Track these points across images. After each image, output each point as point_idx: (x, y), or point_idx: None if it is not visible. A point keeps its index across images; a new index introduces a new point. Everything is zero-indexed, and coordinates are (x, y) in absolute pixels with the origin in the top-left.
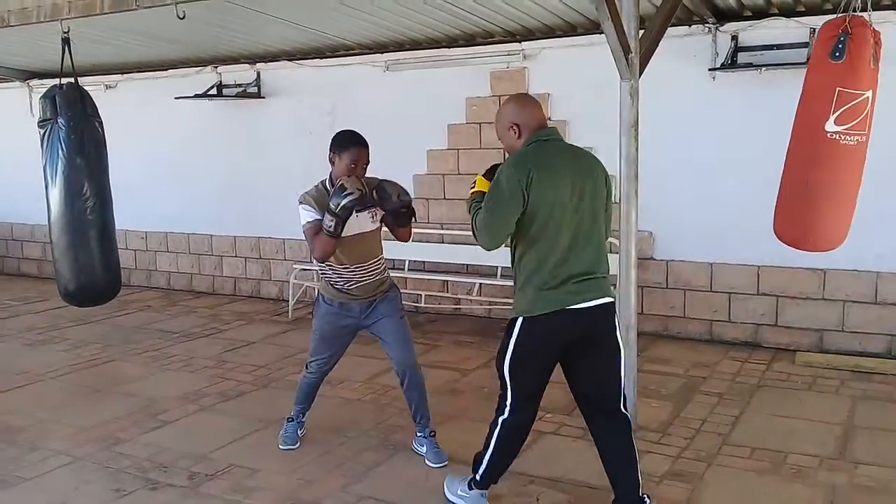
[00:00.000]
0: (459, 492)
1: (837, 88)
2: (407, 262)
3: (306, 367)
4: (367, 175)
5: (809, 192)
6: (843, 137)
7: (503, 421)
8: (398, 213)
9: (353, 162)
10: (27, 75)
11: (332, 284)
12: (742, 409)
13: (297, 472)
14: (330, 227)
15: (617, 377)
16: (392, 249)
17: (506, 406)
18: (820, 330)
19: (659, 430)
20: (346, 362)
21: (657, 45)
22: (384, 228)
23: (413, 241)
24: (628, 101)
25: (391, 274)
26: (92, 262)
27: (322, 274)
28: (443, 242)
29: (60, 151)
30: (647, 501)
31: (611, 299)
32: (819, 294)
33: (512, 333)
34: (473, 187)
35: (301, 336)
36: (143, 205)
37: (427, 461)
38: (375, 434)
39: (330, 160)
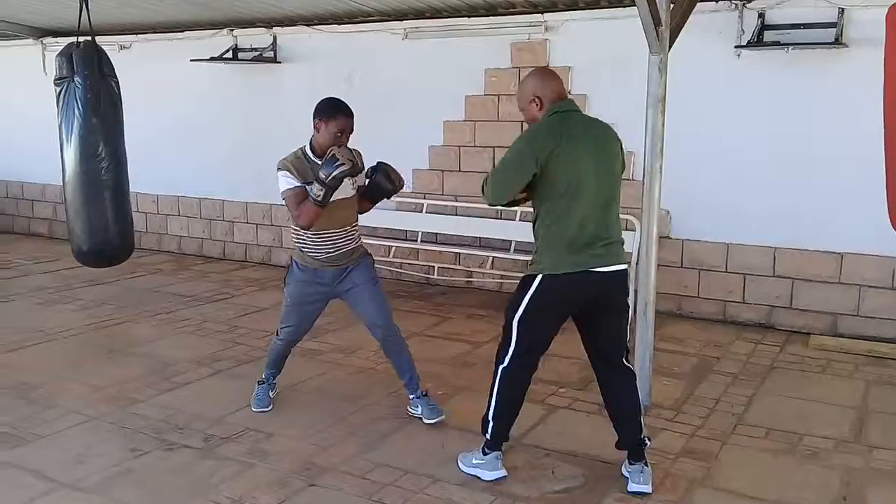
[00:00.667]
0: (474, 461)
1: None
2: (420, 234)
3: (276, 334)
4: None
5: None
6: None
7: (503, 369)
8: (383, 191)
9: (339, 131)
10: (41, 33)
11: (305, 251)
12: (756, 389)
13: (311, 437)
14: (319, 196)
15: (624, 334)
16: (407, 221)
17: (506, 355)
18: (834, 314)
19: (673, 407)
20: (359, 331)
21: (686, 19)
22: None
23: (426, 212)
24: (657, 75)
25: (404, 245)
26: (105, 222)
27: (296, 240)
28: (456, 214)
29: (76, 110)
30: (648, 442)
31: (625, 266)
32: (835, 278)
33: (529, 289)
34: None
35: None
36: (155, 168)
37: (425, 419)
38: (389, 403)
39: (315, 127)
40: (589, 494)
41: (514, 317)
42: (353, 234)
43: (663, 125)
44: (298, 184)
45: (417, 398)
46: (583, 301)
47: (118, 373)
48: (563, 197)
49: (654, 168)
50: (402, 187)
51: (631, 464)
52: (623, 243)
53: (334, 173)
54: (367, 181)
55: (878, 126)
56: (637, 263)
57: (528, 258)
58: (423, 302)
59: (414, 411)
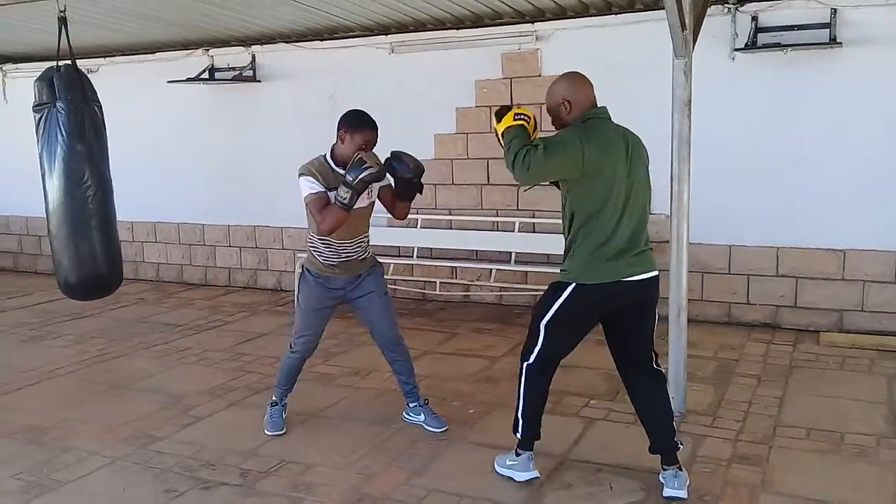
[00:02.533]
0: (508, 462)
1: None
2: (415, 249)
3: (291, 347)
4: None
5: None
6: None
7: (528, 366)
8: (409, 182)
9: (364, 143)
10: (0, 59)
11: (320, 258)
12: (783, 390)
13: (353, 465)
14: (345, 199)
15: (652, 338)
16: (400, 237)
17: (532, 353)
18: (840, 310)
19: (708, 413)
20: (368, 352)
21: (702, 23)
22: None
23: (421, 227)
24: (682, 79)
25: (400, 262)
26: (93, 253)
27: (311, 248)
28: (451, 228)
29: (60, 137)
30: (681, 446)
31: (657, 272)
32: (839, 274)
33: (560, 296)
34: (498, 123)
35: None
36: (129, 194)
37: (430, 428)
38: (421, 426)
39: (340, 138)
40: None
41: (542, 320)
42: (364, 243)
43: (689, 129)
44: (322, 189)
45: (420, 406)
46: (613, 309)
47: (128, 410)
48: (602, 204)
49: (682, 172)
50: (420, 169)
51: (665, 468)
52: (652, 250)
53: (362, 175)
54: (393, 179)
55: (874, 123)
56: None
57: (529, 269)
58: (425, 318)
59: (414, 418)
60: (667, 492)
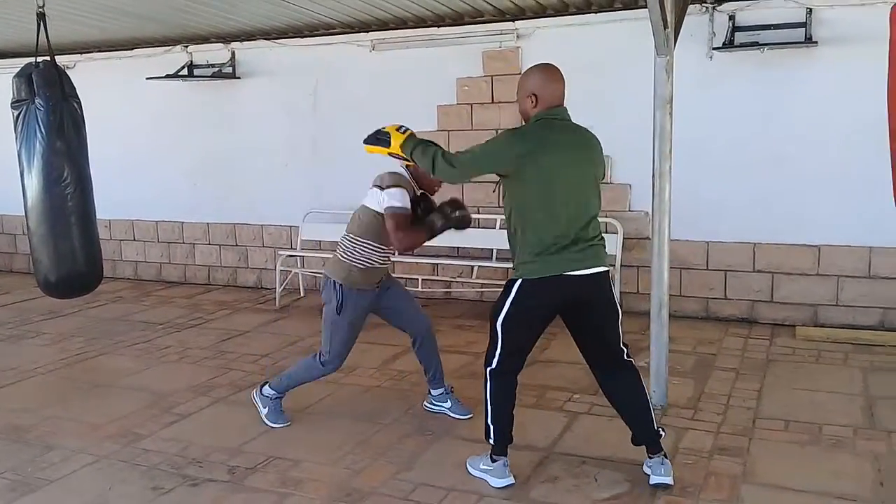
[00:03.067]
0: (482, 466)
1: None
2: None
3: (322, 363)
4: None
5: None
6: None
7: (491, 371)
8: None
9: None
10: None
11: (363, 268)
12: (761, 383)
13: (341, 461)
14: (440, 229)
15: (618, 333)
16: None
17: (494, 357)
18: (815, 305)
19: (689, 406)
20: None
21: (682, 22)
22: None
23: None
24: (663, 76)
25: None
26: (73, 250)
27: (356, 260)
28: None
29: (39, 134)
30: (663, 433)
31: (606, 268)
32: (814, 270)
33: (510, 293)
34: (387, 147)
35: (294, 324)
36: (106, 192)
37: (455, 415)
38: (408, 420)
39: None
40: (638, 499)
41: (497, 320)
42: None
43: (671, 127)
44: (409, 205)
45: (446, 393)
46: (563, 303)
47: (112, 408)
48: (537, 202)
49: (664, 169)
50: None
51: (650, 457)
52: (604, 246)
53: (464, 216)
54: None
55: (848, 120)
56: (621, 266)
57: (510, 266)
58: None
59: (440, 406)
60: (654, 479)
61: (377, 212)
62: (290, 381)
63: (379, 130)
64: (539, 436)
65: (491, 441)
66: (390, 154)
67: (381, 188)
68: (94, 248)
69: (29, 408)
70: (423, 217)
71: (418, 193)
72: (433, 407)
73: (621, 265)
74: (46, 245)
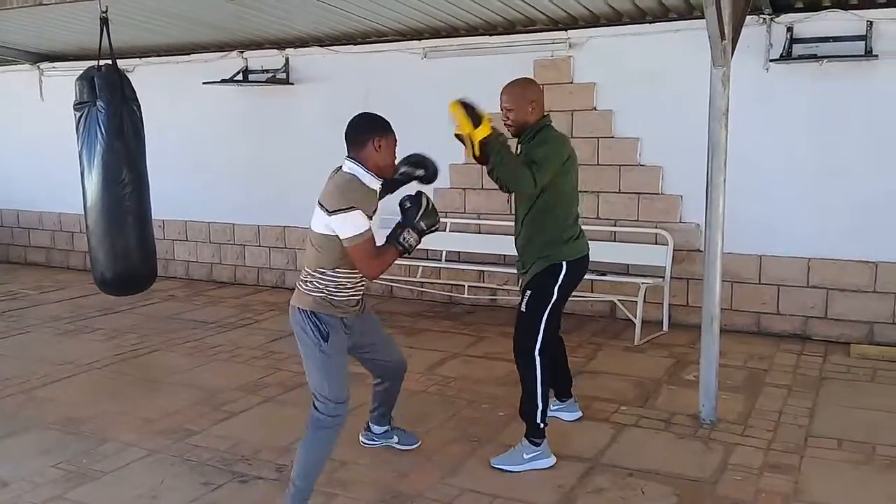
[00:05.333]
0: (525, 456)
1: None
2: (443, 253)
3: (331, 416)
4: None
5: None
6: None
7: (539, 353)
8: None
9: (395, 145)
10: (37, 58)
11: (338, 298)
12: (813, 400)
13: (387, 464)
14: (412, 246)
15: None
16: (428, 240)
17: (536, 340)
18: (871, 322)
19: (739, 422)
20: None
21: (740, 33)
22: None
23: (449, 231)
24: (720, 88)
25: (428, 265)
26: (129, 249)
27: (328, 289)
28: (479, 233)
29: (100, 135)
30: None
31: None
32: (871, 286)
33: (557, 278)
34: (477, 120)
35: None
36: (161, 192)
37: (406, 446)
38: (453, 426)
39: (374, 146)
40: None
41: (546, 307)
42: None
43: (726, 138)
44: (369, 225)
45: (391, 429)
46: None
47: (165, 403)
48: (572, 192)
49: (718, 182)
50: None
51: (563, 400)
52: None
53: (435, 225)
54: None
55: None
56: (670, 278)
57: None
58: (453, 322)
59: (384, 442)
60: (573, 416)
61: (328, 235)
62: (307, 472)
63: (474, 106)
64: (585, 446)
65: (542, 424)
66: (462, 134)
67: (329, 213)
68: (149, 247)
69: (84, 401)
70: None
71: (381, 184)
72: (374, 442)
73: (671, 277)
74: (104, 243)
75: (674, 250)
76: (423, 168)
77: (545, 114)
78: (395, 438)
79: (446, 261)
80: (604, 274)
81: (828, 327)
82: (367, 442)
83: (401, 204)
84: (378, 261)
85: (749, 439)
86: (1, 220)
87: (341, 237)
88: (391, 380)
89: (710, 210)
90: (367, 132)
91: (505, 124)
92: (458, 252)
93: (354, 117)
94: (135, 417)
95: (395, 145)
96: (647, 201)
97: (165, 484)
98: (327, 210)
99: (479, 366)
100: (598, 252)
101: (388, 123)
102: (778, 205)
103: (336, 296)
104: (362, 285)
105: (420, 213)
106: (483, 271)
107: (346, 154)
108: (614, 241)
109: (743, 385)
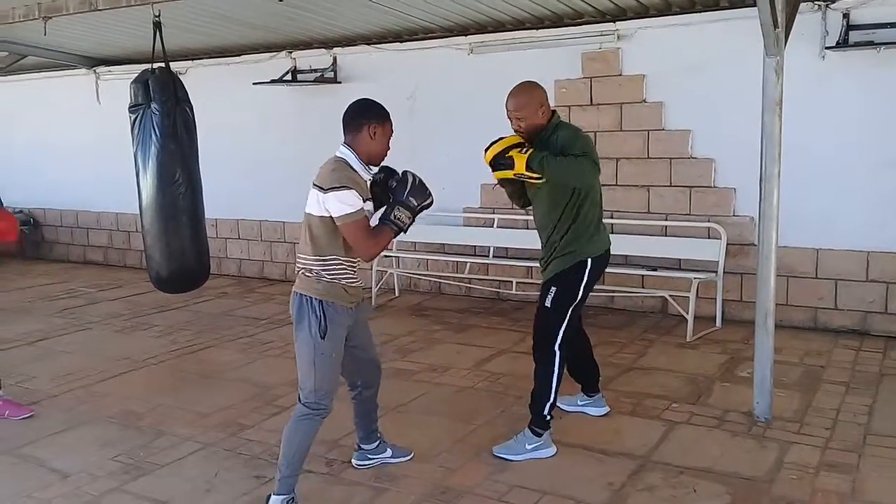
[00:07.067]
0: (528, 446)
1: None
2: (491, 249)
3: (313, 408)
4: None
5: None
6: None
7: (559, 348)
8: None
9: (391, 134)
10: (93, 62)
11: (342, 284)
12: (872, 398)
13: (436, 459)
14: (405, 224)
15: None
16: (476, 236)
17: (558, 335)
18: None
19: (795, 419)
20: (445, 349)
21: (793, 22)
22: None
23: (497, 226)
24: (773, 77)
25: (476, 261)
26: (183, 248)
27: (326, 274)
28: (528, 228)
29: (154, 136)
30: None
31: None
32: None
33: (583, 275)
34: (510, 162)
35: (390, 322)
36: (213, 191)
37: (397, 459)
38: (502, 422)
39: (369, 133)
40: None
41: (572, 302)
42: None
43: (780, 129)
44: (363, 206)
45: (382, 443)
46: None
47: (219, 398)
48: (597, 188)
49: (772, 173)
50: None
51: (592, 395)
52: None
53: (427, 203)
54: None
55: None
56: (724, 272)
57: (607, 270)
58: (501, 317)
59: (380, 457)
60: (601, 411)
61: (324, 216)
62: (290, 458)
63: (498, 155)
64: (636, 444)
65: (549, 416)
66: (516, 175)
67: (323, 190)
68: (203, 245)
69: (141, 396)
70: (383, 194)
71: (374, 173)
72: (368, 461)
73: (724, 271)
74: (159, 242)
75: (727, 244)
76: (398, 182)
77: (553, 111)
78: (389, 452)
79: (494, 257)
80: (655, 269)
81: (888, 322)
82: (360, 463)
83: (388, 185)
84: (373, 241)
85: (805, 437)
86: (61, 220)
87: (334, 216)
88: (367, 382)
89: (765, 203)
90: (364, 117)
91: (517, 132)
92: (506, 248)
93: (354, 102)
94: (189, 412)
95: (391, 136)
96: (699, 195)
97: (219, 477)
98: (322, 188)
99: (526, 362)
100: (650, 247)
101: (387, 112)
102: (835, 196)
103: (344, 278)
104: (357, 277)
105: (407, 189)
106: (531, 267)
107: (343, 141)
108: (666, 235)
109: (799, 382)
